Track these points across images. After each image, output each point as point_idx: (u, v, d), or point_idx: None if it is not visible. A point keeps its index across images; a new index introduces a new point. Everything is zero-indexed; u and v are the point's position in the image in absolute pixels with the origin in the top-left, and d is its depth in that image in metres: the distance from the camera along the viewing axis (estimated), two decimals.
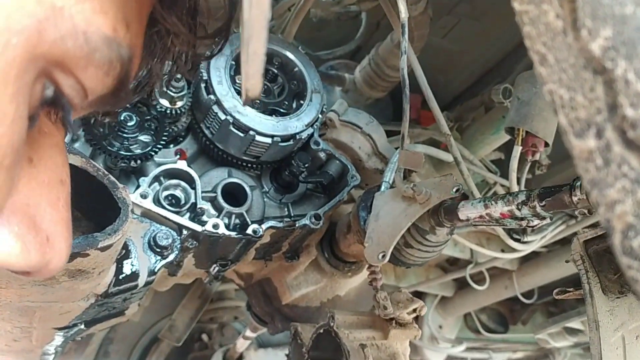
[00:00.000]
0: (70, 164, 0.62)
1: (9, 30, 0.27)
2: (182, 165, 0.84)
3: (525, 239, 1.07)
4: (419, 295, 1.76)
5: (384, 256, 0.83)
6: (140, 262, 0.77)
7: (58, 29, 0.29)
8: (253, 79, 0.27)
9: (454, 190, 0.80)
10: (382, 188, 0.91)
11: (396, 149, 0.99)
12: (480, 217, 0.77)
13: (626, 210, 0.21)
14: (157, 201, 0.82)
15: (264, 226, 0.87)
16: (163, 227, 0.79)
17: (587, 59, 0.21)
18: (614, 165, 0.21)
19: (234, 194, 0.88)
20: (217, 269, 0.91)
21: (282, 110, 0.93)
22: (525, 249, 1.14)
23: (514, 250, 1.16)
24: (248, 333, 1.44)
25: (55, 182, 0.35)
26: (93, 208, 0.68)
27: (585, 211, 0.74)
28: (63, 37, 0.29)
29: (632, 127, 0.20)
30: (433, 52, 1.30)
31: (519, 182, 1.02)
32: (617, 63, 0.20)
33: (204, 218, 0.82)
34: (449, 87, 1.50)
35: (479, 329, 1.86)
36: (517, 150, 0.94)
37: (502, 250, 1.35)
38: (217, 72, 0.87)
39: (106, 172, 0.62)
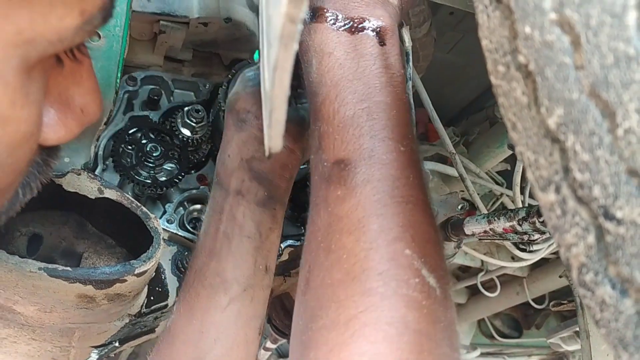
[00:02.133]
0: (107, 198, 0.68)
1: None
2: (203, 191, 0.90)
3: (532, 248, 1.12)
4: None
5: None
6: (169, 283, 0.83)
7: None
8: (275, 139, 0.32)
9: (460, 207, 0.85)
10: None
11: None
12: (485, 232, 0.82)
13: (579, 252, 0.26)
14: (182, 225, 0.88)
15: (282, 245, 0.92)
16: (188, 250, 0.85)
17: (546, 130, 0.26)
18: (569, 216, 0.26)
19: None
20: None
21: None
22: (532, 258, 1.19)
23: (522, 259, 1.21)
24: (268, 344, 1.50)
25: (74, 66, 0.42)
26: (126, 236, 0.75)
27: None
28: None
29: (580, 187, 0.25)
30: (439, 67, 1.35)
31: (523, 192, 1.06)
32: (568, 136, 0.25)
33: None
34: (456, 100, 1.55)
35: (493, 334, 1.89)
36: (520, 165, 0.99)
37: (512, 259, 1.39)
38: None
39: (139, 204, 0.68)
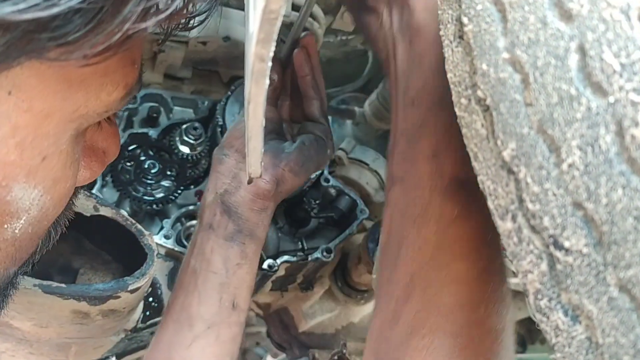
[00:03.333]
0: (101, 215, 0.70)
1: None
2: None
3: None
4: None
5: None
6: (166, 298, 0.84)
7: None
8: (254, 166, 0.34)
9: None
10: None
11: None
12: None
13: (534, 279, 0.27)
14: (179, 241, 0.89)
15: (278, 261, 0.94)
16: None
17: (502, 161, 0.27)
18: (524, 244, 0.27)
19: None
20: None
21: None
22: None
23: None
24: (269, 358, 1.50)
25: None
26: (123, 252, 0.76)
27: None
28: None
29: (532, 217, 0.26)
30: None
31: None
32: (520, 169, 0.26)
33: None
34: None
35: None
36: None
37: (513, 273, 1.39)
38: (232, 118, 0.94)
39: (133, 222, 0.70)
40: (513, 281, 1.35)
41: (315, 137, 0.76)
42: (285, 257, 0.95)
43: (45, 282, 0.61)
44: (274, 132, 0.78)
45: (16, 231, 0.40)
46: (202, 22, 0.43)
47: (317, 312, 1.11)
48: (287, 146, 0.75)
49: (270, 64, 0.27)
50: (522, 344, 1.99)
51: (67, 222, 0.50)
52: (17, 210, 0.38)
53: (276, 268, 0.92)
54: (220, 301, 0.70)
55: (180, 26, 0.42)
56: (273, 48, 0.26)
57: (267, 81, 0.28)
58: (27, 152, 0.36)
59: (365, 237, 0.98)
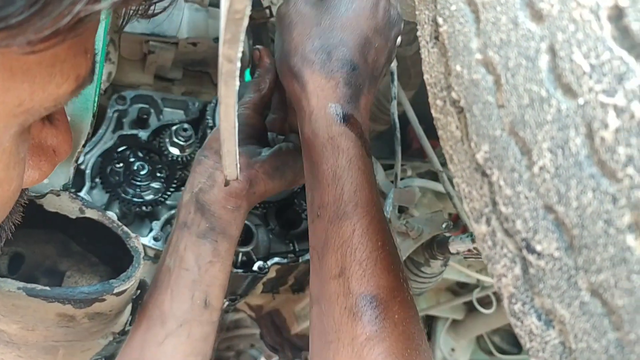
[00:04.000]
0: (88, 217, 0.69)
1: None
2: None
3: None
4: (430, 318, 1.80)
5: None
6: None
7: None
8: (230, 168, 0.33)
9: (444, 226, 0.85)
10: None
11: (392, 182, 1.05)
12: (469, 250, 0.82)
13: (508, 282, 0.26)
14: None
15: (269, 262, 0.93)
16: None
17: (476, 164, 0.27)
18: (498, 247, 0.27)
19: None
20: (226, 303, 0.97)
21: None
22: None
23: None
24: None
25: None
26: (110, 254, 0.76)
27: None
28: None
29: (505, 220, 0.26)
30: None
31: None
32: (493, 171, 0.26)
33: None
34: None
35: (492, 350, 1.88)
36: None
37: None
38: None
39: (120, 224, 0.69)
40: None
41: (294, 145, 0.76)
42: (276, 259, 0.94)
43: (29, 285, 0.61)
44: (255, 138, 0.78)
45: None
46: (164, 9, 0.40)
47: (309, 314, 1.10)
48: (264, 150, 0.76)
49: (239, 64, 0.27)
50: (517, 345, 1.99)
51: (13, 228, 0.46)
52: None
53: (267, 270, 0.92)
54: (192, 299, 0.70)
55: (140, 12, 0.39)
56: (241, 48, 0.26)
57: (237, 82, 0.28)
58: None
59: None
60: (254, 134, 0.78)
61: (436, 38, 0.29)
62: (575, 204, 0.23)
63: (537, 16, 0.24)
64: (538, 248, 0.25)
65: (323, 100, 0.60)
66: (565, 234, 0.24)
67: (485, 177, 0.27)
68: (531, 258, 0.25)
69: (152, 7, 0.37)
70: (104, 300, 0.64)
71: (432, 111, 0.30)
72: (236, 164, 0.34)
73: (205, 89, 1.06)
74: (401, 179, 1.04)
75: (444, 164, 1.26)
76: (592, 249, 0.23)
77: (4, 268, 0.69)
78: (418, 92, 1.20)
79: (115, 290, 0.64)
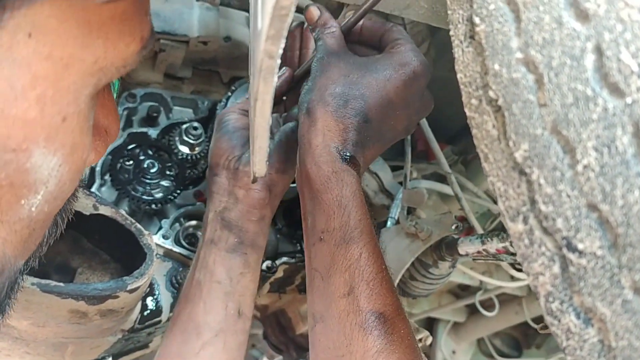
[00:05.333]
0: (101, 214, 0.69)
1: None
2: (200, 207, 0.91)
3: None
4: (432, 321, 1.80)
5: None
6: (164, 299, 0.84)
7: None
8: (259, 165, 0.34)
9: (453, 227, 0.86)
10: (388, 224, 0.97)
11: (400, 183, 1.06)
12: (478, 252, 0.83)
13: (546, 281, 0.27)
14: (177, 241, 0.88)
15: (277, 262, 0.93)
16: (183, 266, 0.86)
17: (514, 162, 0.27)
18: (536, 246, 0.27)
19: None
20: None
21: None
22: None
23: (520, 278, 1.21)
24: None
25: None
26: (121, 251, 0.76)
27: None
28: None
29: (545, 218, 0.26)
30: (439, 86, 1.36)
31: None
32: (533, 170, 0.26)
33: None
34: (455, 118, 1.56)
35: (493, 354, 1.88)
36: None
37: (512, 278, 1.39)
38: None
39: (133, 221, 0.69)
40: (511, 285, 1.35)
41: (291, 127, 0.77)
42: (284, 259, 0.94)
43: (43, 281, 0.61)
44: None
45: (32, 209, 0.35)
46: None
47: None
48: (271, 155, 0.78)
49: (279, 61, 0.27)
50: (518, 349, 1.99)
51: (72, 211, 0.46)
52: (35, 182, 0.34)
53: (275, 269, 0.92)
54: (226, 309, 0.72)
55: None
56: (283, 45, 0.26)
57: (275, 79, 0.28)
58: (48, 108, 0.32)
59: None
60: None
61: (472, 37, 0.29)
62: (621, 203, 0.23)
63: (583, 16, 0.25)
64: (580, 246, 0.25)
65: (329, 139, 0.63)
66: (609, 232, 0.24)
67: (523, 176, 0.27)
68: (572, 256, 0.25)
69: None
70: (117, 297, 0.64)
71: (466, 110, 0.30)
72: (266, 161, 0.34)
73: (215, 88, 1.06)
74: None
75: (451, 166, 1.26)
76: (637, 247, 0.23)
77: None
78: None
79: (129, 287, 0.64)
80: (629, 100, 0.23)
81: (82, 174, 0.40)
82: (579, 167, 0.24)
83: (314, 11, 0.74)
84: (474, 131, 0.30)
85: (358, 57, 0.70)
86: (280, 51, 0.26)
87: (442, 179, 1.28)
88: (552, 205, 0.26)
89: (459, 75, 0.31)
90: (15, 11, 0.28)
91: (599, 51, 0.24)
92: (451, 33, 0.32)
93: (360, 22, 0.74)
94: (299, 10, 1.01)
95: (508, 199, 0.28)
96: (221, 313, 0.72)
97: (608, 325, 0.24)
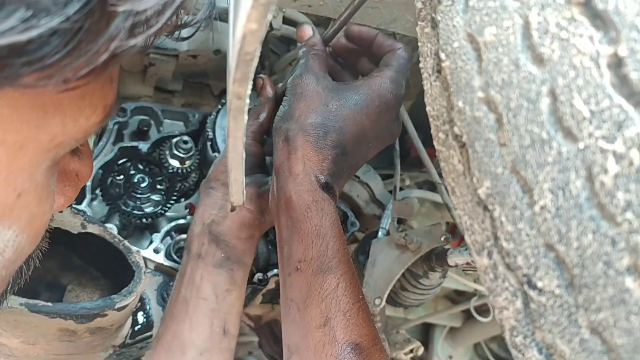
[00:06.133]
0: (89, 233, 0.70)
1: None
2: (191, 220, 0.91)
3: None
4: (428, 326, 1.80)
5: (380, 301, 0.89)
6: (154, 313, 0.84)
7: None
8: (236, 195, 0.34)
9: (442, 239, 0.86)
10: (379, 234, 0.97)
11: (391, 192, 1.06)
12: (467, 263, 0.83)
13: (510, 315, 0.27)
14: (169, 255, 0.89)
15: (269, 274, 0.93)
16: (174, 280, 0.86)
17: (478, 198, 0.28)
18: (500, 280, 0.27)
19: None
20: None
21: None
22: None
23: None
24: None
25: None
26: (111, 267, 0.76)
27: None
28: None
29: (507, 255, 0.26)
30: None
31: None
32: (495, 207, 0.27)
33: None
34: None
35: (489, 358, 1.88)
36: None
37: None
38: (222, 131, 0.95)
39: (121, 239, 0.70)
40: None
41: None
42: (276, 270, 0.94)
43: (31, 301, 0.61)
44: (258, 167, 0.81)
45: None
46: (191, 35, 0.41)
47: None
48: (269, 179, 0.78)
49: (248, 101, 0.27)
50: None
51: (40, 255, 0.47)
52: None
53: (266, 281, 0.92)
54: (212, 327, 0.72)
55: (168, 35, 0.39)
56: (250, 86, 0.27)
57: (245, 117, 0.29)
58: (1, 189, 0.32)
59: (356, 249, 0.98)
60: (257, 163, 0.81)
61: (438, 72, 0.30)
62: (576, 244, 0.24)
63: (538, 59, 0.25)
64: (539, 284, 0.25)
65: (309, 168, 0.64)
66: (566, 272, 0.24)
67: (487, 212, 0.27)
68: (532, 293, 0.26)
69: (180, 32, 0.38)
70: (105, 315, 0.65)
71: (435, 143, 0.31)
72: (242, 191, 0.35)
73: (205, 100, 1.06)
74: (400, 189, 1.04)
75: (441, 174, 1.26)
76: (592, 288, 0.23)
77: None
78: (416, 102, 1.21)
79: (117, 306, 0.65)
80: (581, 145, 0.23)
81: (43, 233, 0.41)
82: (537, 208, 0.25)
83: (307, 30, 0.75)
84: (442, 164, 0.30)
85: (335, 82, 0.71)
86: (248, 92, 0.27)
87: (434, 187, 1.29)
88: (513, 242, 0.26)
89: (427, 108, 0.31)
90: None
91: (553, 95, 0.24)
92: (421, 65, 0.32)
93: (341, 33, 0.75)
94: (294, 24, 1.01)
95: (474, 233, 0.28)
96: (206, 331, 0.72)
97: None
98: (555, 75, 0.24)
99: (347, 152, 0.66)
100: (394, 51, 0.74)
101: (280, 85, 0.80)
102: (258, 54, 0.24)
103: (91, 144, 0.58)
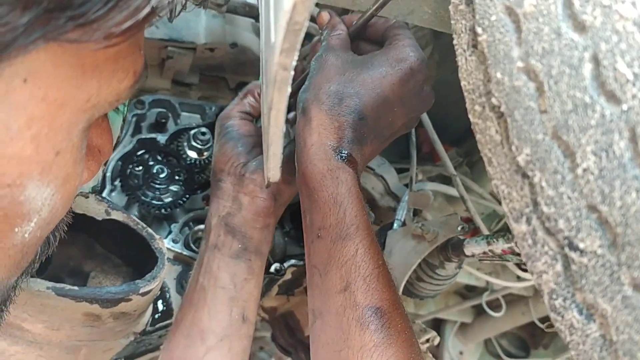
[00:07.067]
0: (113, 219, 0.71)
1: None
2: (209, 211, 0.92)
3: None
4: (439, 322, 1.80)
5: None
6: (174, 302, 0.85)
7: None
8: (273, 170, 0.35)
9: (459, 228, 0.87)
10: (395, 226, 0.98)
11: (405, 185, 1.07)
12: (484, 253, 0.84)
13: (549, 279, 0.28)
14: (187, 245, 0.90)
15: (285, 264, 0.94)
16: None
17: (517, 166, 0.28)
18: (539, 245, 0.28)
19: None
20: None
21: None
22: None
23: (526, 279, 1.21)
24: None
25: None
26: (133, 255, 0.77)
27: None
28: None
29: (547, 219, 0.27)
30: (444, 88, 1.37)
31: None
32: (535, 173, 0.27)
33: None
34: (461, 120, 1.56)
35: (500, 354, 1.88)
36: None
37: (518, 278, 1.40)
38: None
39: (144, 226, 0.71)
40: (518, 285, 1.36)
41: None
42: (293, 261, 0.95)
43: (58, 285, 0.62)
44: (260, 145, 0.81)
45: (26, 235, 0.37)
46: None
47: None
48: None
49: (292, 72, 0.28)
50: (526, 349, 2.00)
51: (65, 228, 0.48)
52: (29, 212, 0.36)
53: (283, 272, 0.93)
54: (231, 314, 0.73)
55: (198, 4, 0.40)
56: (296, 57, 0.27)
57: (289, 89, 0.29)
58: (42, 146, 0.33)
59: None
60: (260, 142, 0.80)
61: (474, 46, 0.31)
62: (619, 204, 0.25)
63: (580, 27, 0.26)
64: (581, 245, 0.26)
65: (324, 138, 0.64)
66: (608, 232, 0.25)
67: (526, 179, 0.28)
68: (573, 255, 0.26)
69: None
70: (130, 300, 0.66)
71: (470, 116, 0.32)
72: (280, 166, 0.36)
73: (222, 93, 1.07)
74: None
75: (456, 167, 1.27)
76: (635, 245, 0.24)
77: None
78: None
79: (141, 290, 0.66)
80: (624, 107, 0.24)
81: (74, 198, 0.42)
82: (579, 171, 0.26)
83: (324, 15, 0.75)
84: (477, 136, 0.31)
85: (357, 55, 0.71)
86: (294, 63, 0.28)
87: (447, 180, 1.29)
88: (553, 206, 0.27)
89: (462, 83, 0.32)
90: (12, 59, 0.30)
91: (596, 60, 0.25)
92: (455, 42, 0.33)
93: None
94: (312, 19, 1.02)
95: (512, 201, 0.29)
96: (226, 318, 0.73)
97: (609, 320, 0.26)
98: (597, 41, 0.25)
99: (365, 117, 0.66)
100: (391, 25, 0.74)
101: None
102: (307, 24, 0.25)
103: (118, 132, 0.59)
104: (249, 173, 0.76)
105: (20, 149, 0.32)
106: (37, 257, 0.44)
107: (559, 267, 0.27)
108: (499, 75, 0.29)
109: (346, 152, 0.64)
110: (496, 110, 0.29)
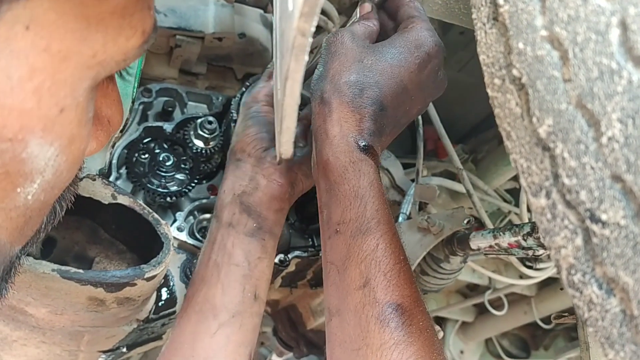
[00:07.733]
0: (120, 204, 0.70)
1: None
2: (213, 200, 0.92)
3: (538, 266, 1.12)
4: (440, 320, 1.80)
5: None
6: (178, 290, 0.85)
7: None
8: (286, 145, 0.34)
9: (465, 222, 0.86)
10: (400, 219, 0.98)
11: (412, 180, 1.06)
12: (490, 247, 0.83)
13: (568, 254, 0.27)
14: (191, 234, 0.89)
15: (290, 256, 0.94)
16: (197, 258, 0.86)
17: (537, 138, 0.28)
18: (558, 219, 0.28)
19: None
20: None
21: None
22: (540, 276, 1.19)
23: (530, 276, 1.21)
24: (274, 358, 1.50)
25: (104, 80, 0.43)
26: (137, 241, 0.77)
27: None
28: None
29: (568, 192, 0.27)
30: (449, 85, 1.36)
31: (530, 210, 1.07)
32: (557, 144, 0.27)
33: None
34: (466, 118, 1.56)
35: (501, 354, 1.88)
36: None
37: (520, 277, 1.39)
38: None
39: (150, 211, 0.70)
40: (521, 283, 1.35)
41: None
42: (297, 253, 0.95)
43: (63, 267, 0.62)
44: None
45: (29, 197, 0.36)
46: None
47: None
48: (298, 151, 0.78)
49: (311, 39, 0.28)
50: (526, 350, 1.99)
51: (73, 198, 0.46)
52: (31, 171, 0.34)
53: (288, 263, 0.93)
54: (243, 292, 0.72)
55: None
56: (315, 24, 0.27)
57: (307, 57, 0.29)
58: (45, 100, 0.32)
59: None
60: None
61: (495, 19, 0.30)
62: None
63: None
64: (603, 217, 0.25)
65: (346, 130, 0.63)
66: (632, 202, 0.25)
67: (546, 151, 0.28)
68: (595, 228, 0.26)
69: None
70: (134, 284, 0.65)
71: (489, 90, 0.31)
72: (293, 142, 0.35)
73: (229, 84, 1.07)
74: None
75: (462, 162, 1.26)
76: None
77: (37, 251, 0.70)
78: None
79: (146, 275, 0.65)
80: None
81: (80, 163, 0.41)
82: (604, 139, 0.25)
83: (367, 7, 0.75)
84: (496, 110, 0.31)
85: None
86: (313, 29, 0.27)
87: (452, 176, 1.29)
88: (575, 178, 0.26)
89: (481, 57, 0.32)
90: (13, 3, 0.29)
91: (623, 25, 0.25)
92: (474, 16, 0.32)
93: None
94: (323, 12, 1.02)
95: (530, 175, 0.29)
96: (238, 295, 0.72)
97: (630, 294, 0.25)
98: (626, 6, 0.25)
99: (385, 108, 0.65)
100: (406, 4, 0.72)
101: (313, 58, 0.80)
102: None
103: (129, 107, 0.59)
104: (270, 157, 0.76)
105: (21, 101, 0.31)
106: (43, 226, 0.43)
107: (578, 240, 0.27)
108: (520, 45, 0.28)
109: (367, 144, 0.63)
110: (517, 82, 0.29)
